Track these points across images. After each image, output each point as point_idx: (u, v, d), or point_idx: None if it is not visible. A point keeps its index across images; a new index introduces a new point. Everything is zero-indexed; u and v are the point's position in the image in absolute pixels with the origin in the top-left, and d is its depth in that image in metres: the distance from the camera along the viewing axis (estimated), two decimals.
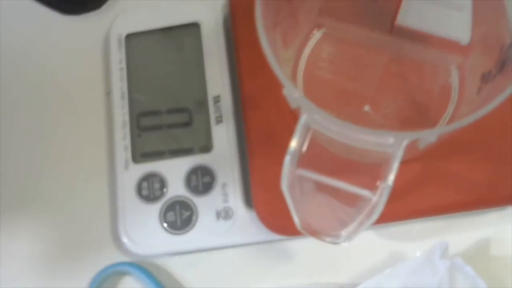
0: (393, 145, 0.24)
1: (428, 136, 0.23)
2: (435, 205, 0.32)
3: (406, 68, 0.34)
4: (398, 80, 0.33)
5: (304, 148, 0.25)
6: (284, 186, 0.25)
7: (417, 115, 0.33)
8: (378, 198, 0.24)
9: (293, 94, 0.24)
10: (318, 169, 0.25)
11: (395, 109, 0.33)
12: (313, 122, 0.24)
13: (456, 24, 0.31)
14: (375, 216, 0.24)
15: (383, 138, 0.23)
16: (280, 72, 0.25)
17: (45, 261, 0.35)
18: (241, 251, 0.34)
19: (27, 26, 0.40)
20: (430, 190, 0.32)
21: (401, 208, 0.31)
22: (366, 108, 0.33)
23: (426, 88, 0.33)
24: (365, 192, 0.24)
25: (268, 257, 0.34)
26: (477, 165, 0.31)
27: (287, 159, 0.24)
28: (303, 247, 0.34)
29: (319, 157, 0.26)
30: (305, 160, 0.25)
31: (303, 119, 0.24)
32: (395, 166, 0.23)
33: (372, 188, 0.24)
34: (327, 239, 0.28)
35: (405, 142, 0.23)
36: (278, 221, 0.32)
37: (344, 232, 0.27)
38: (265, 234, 0.33)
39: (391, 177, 0.23)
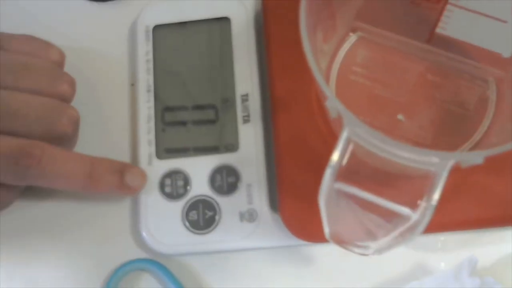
0: (437, 165, 0.23)
1: (475, 158, 0.22)
2: (464, 220, 0.31)
3: (443, 78, 0.33)
4: (434, 90, 0.33)
5: (345, 161, 0.24)
6: (322, 200, 0.24)
7: (452, 126, 0.32)
8: (419, 218, 0.23)
9: (337, 106, 0.23)
10: (356, 182, 0.25)
11: (429, 119, 0.32)
12: (355, 135, 0.24)
13: (498, 35, 0.30)
14: (414, 235, 0.24)
15: (428, 157, 0.23)
16: (323, 82, 0.24)
17: (63, 254, 0.34)
18: (263, 254, 0.34)
19: (52, 12, 0.39)
20: (460, 203, 0.31)
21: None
22: (400, 116, 0.32)
23: (462, 100, 0.32)
24: (405, 210, 0.24)
25: (289, 261, 0.34)
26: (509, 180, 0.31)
27: (328, 172, 0.24)
28: (326, 253, 0.33)
29: (358, 169, 0.25)
30: (343, 173, 0.24)
31: (345, 132, 0.24)
32: (440, 186, 0.23)
33: (412, 205, 0.24)
34: (356, 250, 0.28)
35: (450, 163, 0.23)
36: (303, 227, 0.32)
37: (374, 245, 0.27)
38: (289, 238, 0.32)
39: (436, 197, 0.23)
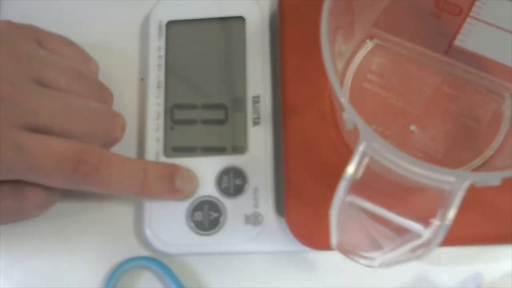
0: (453, 184, 0.23)
1: (492, 180, 0.22)
2: (471, 235, 0.31)
3: (458, 91, 0.33)
4: (448, 102, 0.32)
5: (359, 174, 0.24)
6: (334, 212, 0.24)
7: (465, 140, 0.32)
8: (431, 236, 0.23)
9: (355, 120, 0.23)
10: (368, 194, 0.24)
11: (442, 132, 0.32)
12: (371, 150, 0.23)
13: None
14: (425, 254, 0.23)
15: (444, 176, 0.22)
16: (342, 94, 0.24)
17: (65, 248, 0.34)
18: (266, 257, 0.34)
19: (66, 2, 0.39)
20: (468, 218, 0.31)
21: None
22: (412, 127, 0.32)
23: (477, 114, 0.32)
24: (417, 227, 0.23)
25: (292, 267, 0.33)
26: None
27: (342, 185, 0.23)
28: (329, 261, 0.33)
29: (371, 182, 0.25)
30: (356, 185, 0.24)
31: (361, 146, 0.23)
32: (455, 205, 0.22)
33: (425, 222, 0.23)
34: (362, 261, 0.27)
35: (467, 183, 0.22)
36: (309, 234, 0.32)
37: (381, 257, 0.27)
38: (294, 244, 0.32)
39: (450, 217, 0.22)
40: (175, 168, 0.33)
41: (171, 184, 0.32)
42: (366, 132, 0.23)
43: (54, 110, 0.30)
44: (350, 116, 0.23)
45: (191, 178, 0.33)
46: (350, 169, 0.23)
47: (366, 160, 0.24)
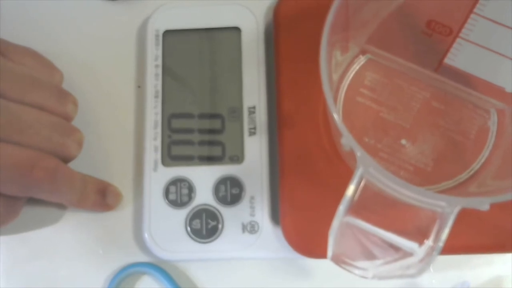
0: (445, 207, 0.24)
1: (482, 205, 0.24)
2: (458, 245, 0.32)
3: (446, 106, 0.34)
4: (437, 117, 0.34)
5: (357, 196, 0.25)
6: (332, 234, 0.25)
7: (452, 154, 0.33)
8: (424, 257, 0.24)
9: (353, 147, 0.24)
10: (364, 213, 0.26)
11: (431, 145, 0.33)
12: (368, 174, 0.25)
13: (503, 71, 0.31)
14: (418, 273, 0.25)
15: (436, 201, 0.24)
16: (341, 123, 0.25)
17: (66, 254, 0.35)
18: (262, 264, 0.35)
19: (62, 9, 0.39)
20: (456, 229, 0.32)
21: None
22: (403, 141, 0.33)
23: (464, 128, 0.33)
24: (410, 247, 0.25)
25: (288, 273, 0.35)
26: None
27: (341, 209, 0.25)
28: (323, 266, 0.34)
29: (368, 202, 0.26)
30: (353, 205, 0.25)
31: (359, 171, 0.24)
32: (448, 227, 0.24)
33: (419, 240, 0.25)
34: (356, 271, 0.29)
35: (457, 208, 0.24)
36: (304, 242, 0.33)
37: (373, 268, 0.28)
38: (289, 252, 0.33)
39: (443, 238, 0.24)
40: (107, 184, 0.35)
41: (102, 197, 0.35)
42: (363, 158, 0.24)
43: (3, 123, 0.30)
44: (348, 142, 0.24)
45: (118, 195, 0.35)
46: (349, 192, 0.24)
47: (363, 183, 0.25)
